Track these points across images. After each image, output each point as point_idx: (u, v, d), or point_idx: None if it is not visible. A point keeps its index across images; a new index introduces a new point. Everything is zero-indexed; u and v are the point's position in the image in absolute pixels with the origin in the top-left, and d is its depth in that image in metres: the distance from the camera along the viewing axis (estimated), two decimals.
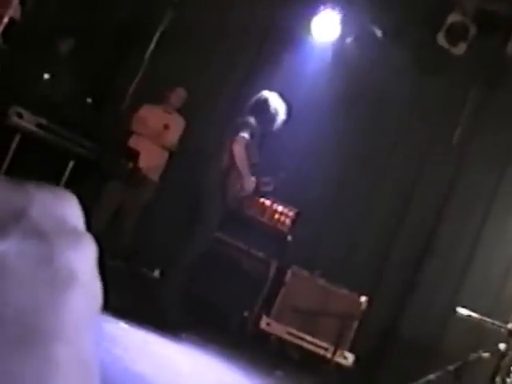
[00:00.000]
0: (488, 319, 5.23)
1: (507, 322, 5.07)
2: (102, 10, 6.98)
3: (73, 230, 0.69)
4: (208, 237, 5.40)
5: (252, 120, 5.36)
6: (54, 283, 0.65)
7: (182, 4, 6.45)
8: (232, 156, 5.24)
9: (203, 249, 5.37)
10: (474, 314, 5.25)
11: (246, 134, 5.23)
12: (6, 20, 5.91)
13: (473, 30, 6.53)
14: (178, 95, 6.56)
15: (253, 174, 5.40)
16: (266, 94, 5.52)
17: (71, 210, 0.71)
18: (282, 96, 5.55)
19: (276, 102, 5.47)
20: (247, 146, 5.27)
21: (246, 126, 5.30)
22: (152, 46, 6.18)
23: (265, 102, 5.44)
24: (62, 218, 0.69)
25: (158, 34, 6.18)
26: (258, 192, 5.66)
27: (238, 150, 5.22)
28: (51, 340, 0.64)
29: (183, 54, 6.77)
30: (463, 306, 5.44)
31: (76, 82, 6.66)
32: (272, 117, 5.44)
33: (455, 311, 5.35)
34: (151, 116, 6.46)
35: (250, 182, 5.38)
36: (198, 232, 5.28)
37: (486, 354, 5.18)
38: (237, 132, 5.28)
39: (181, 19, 6.38)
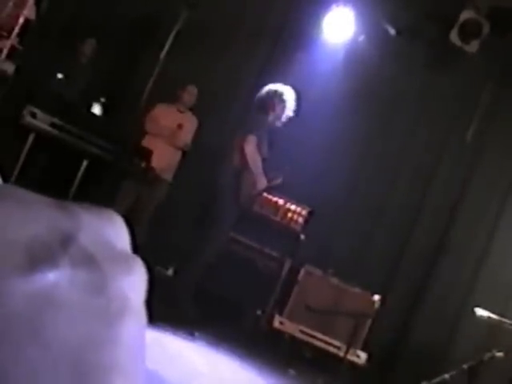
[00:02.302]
0: (506, 320, 5.21)
1: None
2: (117, 10, 7.00)
3: (122, 254, 0.66)
4: (223, 237, 5.41)
5: (261, 117, 5.35)
6: (108, 313, 0.62)
7: (197, 4, 6.45)
8: (243, 156, 5.23)
9: (218, 249, 5.37)
10: (492, 315, 5.22)
11: (256, 133, 5.23)
12: (21, 20, 5.96)
13: (486, 28, 6.49)
14: (190, 93, 6.54)
15: (264, 170, 5.40)
16: (271, 86, 5.50)
17: (118, 232, 0.68)
18: (295, 92, 5.54)
19: (284, 92, 5.45)
20: (258, 145, 5.26)
21: (255, 124, 5.30)
22: (167, 45, 6.18)
23: (272, 94, 5.43)
24: (110, 242, 0.65)
25: (173, 34, 6.18)
26: (268, 188, 5.65)
27: (250, 150, 5.21)
28: (109, 376, 0.61)
29: (198, 53, 6.77)
30: (477, 306, 5.42)
31: (90, 81, 6.69)
32: (280, 107, 5.42)
33: (473, 312, 5.32)
34: (164, 116, 6.46)
35: (263, 180, 5.38)
36: (212, 233, 5.28)
37: (500, 354, 5.16)
38: (247, 130, 5.27)
39: (195, 19, 6.38)
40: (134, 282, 0.65)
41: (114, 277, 0.63)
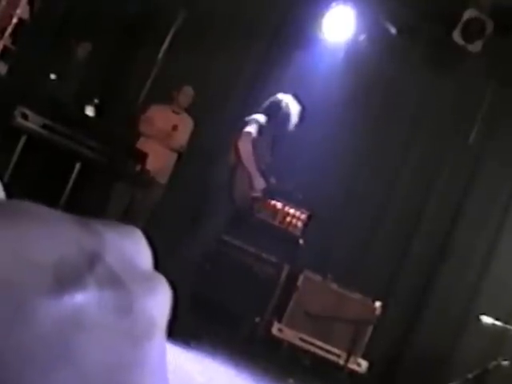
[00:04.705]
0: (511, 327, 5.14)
1: None
2: (112, 10, 6.93)
3: (146, 273, 0.67)
4: (213, 234, 5.27)
5: (261, 117, 5.26)
6: (135, 335, 0.62)
7: (194, 4, 6.39)
8: (237, 152, 5.13)
9: (207, 246, 5.25)
10: (497, 323, 5.15)
11: (251, 129, 5.12)
12: (14, 20, 5.88)
13: (489, 27, 6.41)
14: (186, 94, 6.48)
15: (266, 174, 5.30)
16: (279, 96, 5.44)
17: (141, 250, 0.68)
18: (296, 96, 5.45)
19: (290, 104, 5.38)
20: (254, 142, 5.15)
21: (252, 122, 5.20)
22: (164, 46, 6.12)
23: (277, 104, 5.36)
24: (133, 260, 0.66)
25: (170, 35, 6.12)
26: (268, 188, 5.54)
27: (243, 146, 5.11)
28: None
29: (195, 54, 6.71)
30: (481, 313, 5.35)
31: (84, 82, 6.61)
32: (284, 118, 5.34)
33: (478, 319, 5.26)
34: (159, 117, 6.40)
35: (259, 179, 5.26)
36: (201, 227, 5.17)
37: (505, 362, 5.10)
38: (244, 127, 5.19)
39: (192, 19, 6.32)
40: (159, 302, 0.65)
41: (139, 297, 0.63)
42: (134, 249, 0.67)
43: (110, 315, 0.60)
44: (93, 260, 0.61)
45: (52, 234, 0.61)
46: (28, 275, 0.58)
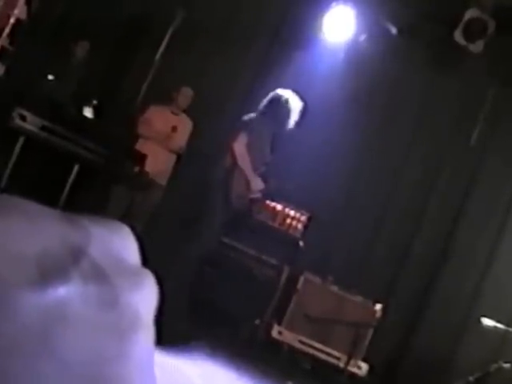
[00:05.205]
0: None
1: None
2: (110, 10, 6.89)
3: (132, 269, 0.68)
4: (210, 236, 5.25)
5: (257, 117, 5.24)
6: (119, 328, 0.62)
7: (192, 4, 6.35)
8: (233, 154, 5.11)
9: (205, 249, 5.22)
10: (498, 325, 5.14)
11: (246, 131, 5.11)
12: (12, 20, 5.84)
13: (491, 27, 6.36)
14: (185, 95, 6.45)
15: (264, 174, 5.26)
16: (279, 92, 5.39)
17: (128, 245, 0.70)
18: (297, 94, 5.42)
19: (290, 100, 5.34)
20: (248, 144, 5.12)
21: (247, 123, 5.18)
22: (162, 47, 6.08)
23: (277, 100, 5.31)
24: (120, 256, 0.67)
25: (168, 35, 6.08)
26: (268, 193, 5.52)
27: (239, 148, 5.10)
28: None
29: (193, 54, 6.69)
30: (483, 315, 5.32)
31: (82, 83, 6.57)
32: (284, 114, 5.31)
33: (479, 321, 5.24)
34: (158, 118, 6.37)
35: (257, 181, 5.23)
36: (199, 231, 5.15)
37: (507, 365, 5.08)
38: (239, 129, 5.17)
39: (190, 19, 6.28)
40: (145, 297, 0.66)
41: (124, 291, 0.64)
42: (121, 244, 0.68)
43: (93, 309, 0.61)
44: (77, 254, 0.62)
45: (37, 229, 0.60)
46: (11, 268, 0.57)
